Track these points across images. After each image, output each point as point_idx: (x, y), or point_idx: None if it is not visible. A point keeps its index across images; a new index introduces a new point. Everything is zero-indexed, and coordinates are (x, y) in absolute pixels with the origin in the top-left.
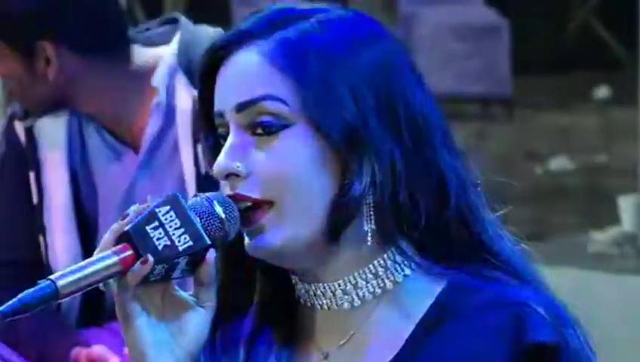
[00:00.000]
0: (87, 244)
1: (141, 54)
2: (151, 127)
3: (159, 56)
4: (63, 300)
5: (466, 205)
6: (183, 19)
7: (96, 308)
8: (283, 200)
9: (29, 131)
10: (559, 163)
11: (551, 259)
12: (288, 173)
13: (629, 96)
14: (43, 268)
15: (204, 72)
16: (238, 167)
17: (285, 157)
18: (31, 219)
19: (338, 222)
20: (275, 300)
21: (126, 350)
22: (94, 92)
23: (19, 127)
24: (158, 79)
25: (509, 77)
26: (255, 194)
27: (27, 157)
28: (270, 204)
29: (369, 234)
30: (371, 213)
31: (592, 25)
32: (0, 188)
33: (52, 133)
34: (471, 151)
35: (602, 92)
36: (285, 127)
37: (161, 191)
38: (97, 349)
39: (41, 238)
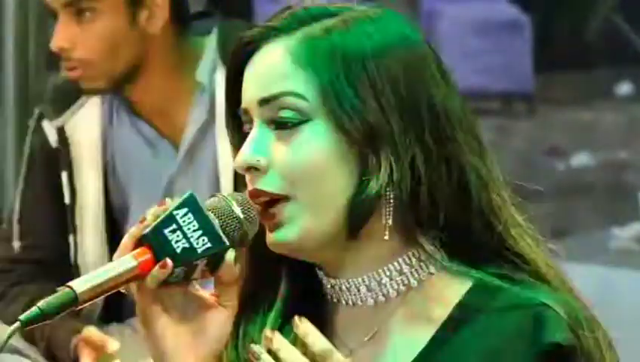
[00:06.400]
0: (116, 243)
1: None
2: (193, 123)
3: (202, 45)
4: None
5: (487, 205)
6: (218, 14)
7: (117, 303)
8: (302, 195)
9: (61, 131)
10: (581, 159)
11: (573, 255)
12: (307, 168)
13: None
14: (70, 268)
15: (231, 71)
16: (258, 160)
17: (304, 152)
18: (60, 219)
19: (356, 218)
20: (301, 295)
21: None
22: (155, 70)
23: (48, 127)
24: (202, 74)
25: (530, 73)
26: (274, 189)
27: (58, 157)
28: (288, 198)
29: (386, 228)
30: (390, 208)
31: (615, 21)
32: (29, 188)
33: (85, 132)
34: (492, 148)
35: (625, 88)
36: (305, 122)
37: (199, 190)
38: (91, 331)
39: (71, 238)
